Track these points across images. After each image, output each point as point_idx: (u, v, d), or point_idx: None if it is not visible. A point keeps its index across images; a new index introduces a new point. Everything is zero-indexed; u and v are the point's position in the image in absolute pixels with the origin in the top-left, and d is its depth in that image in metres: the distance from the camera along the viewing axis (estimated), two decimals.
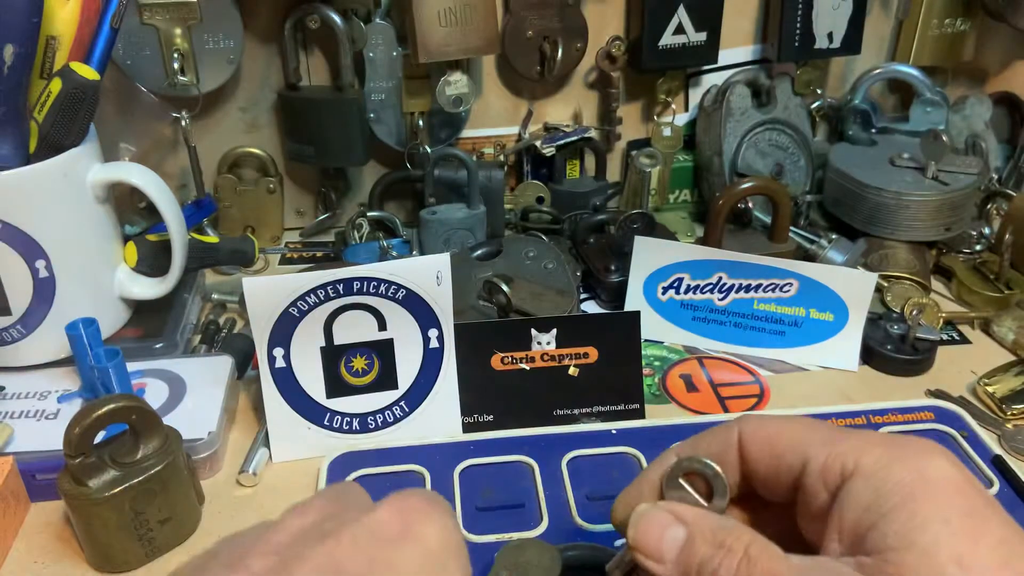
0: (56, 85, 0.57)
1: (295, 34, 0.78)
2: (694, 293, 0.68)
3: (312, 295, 0.55)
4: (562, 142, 0.84)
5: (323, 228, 0.87)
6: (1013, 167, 0.90)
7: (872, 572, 0.27)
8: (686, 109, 0.90)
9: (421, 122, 0.81)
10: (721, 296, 0.68)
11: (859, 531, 0.28)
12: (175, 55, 0.74)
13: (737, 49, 0.87)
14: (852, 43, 0.86)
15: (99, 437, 0.48)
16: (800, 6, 0.83)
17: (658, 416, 0.61)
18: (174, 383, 0.60)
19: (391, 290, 0.55)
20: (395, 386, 0.58)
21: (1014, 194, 0.81)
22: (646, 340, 0.69)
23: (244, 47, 0.77)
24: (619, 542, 0.36)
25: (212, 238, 0.73)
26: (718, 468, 0.33)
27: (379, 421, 0.58)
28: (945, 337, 0.70)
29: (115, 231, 0.66)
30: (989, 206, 0.84)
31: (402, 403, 0.58)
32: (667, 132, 0.87)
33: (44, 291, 0.60)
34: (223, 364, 0.61)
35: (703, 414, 0.62)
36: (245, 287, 0.54)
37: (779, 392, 0.64)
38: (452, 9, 0.74)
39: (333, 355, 0.56)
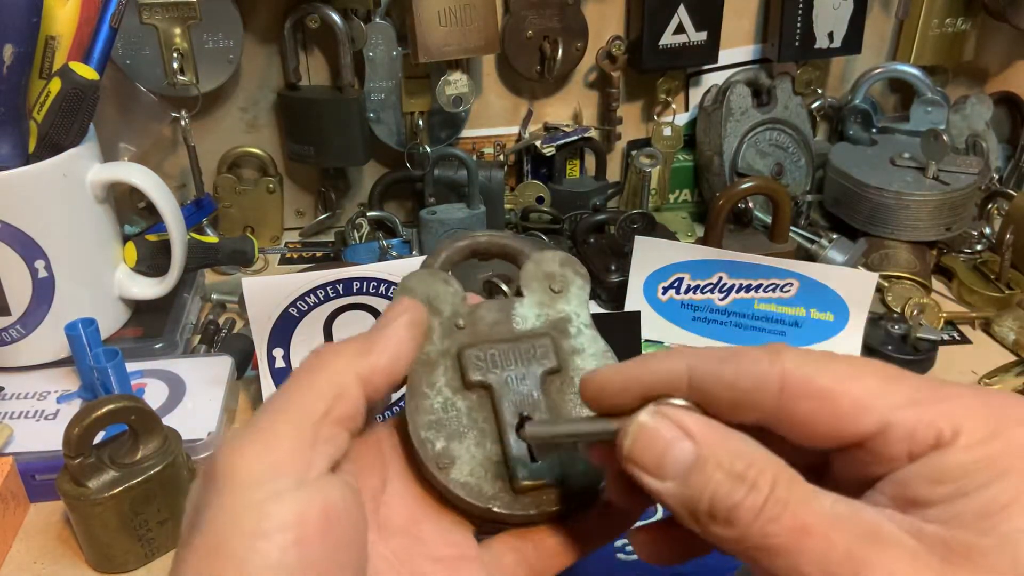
0: (55, 85, 0.57)
1: (295, 34, 0.78)
2: (694, 293, 0.68)
3: (312, 295, 0.55)
4: (562, 142, 0.84)
5: (323, 228, 0.87)
6: (1014, 167, 0.90)
7: (933, 544, 0.23)
8: (686, 109, 0.90)
9: (421, 122, 0.81)
10: (721, 296, 0.68)
11: (930, 499, 0.24)
12: (175, 55, 0.74)
13: (737, 49, 0.87)
14: (852, 43, 0.86)
15: (99, 437, 0.48)
16: (800, 6, 0.83)
17: None
18: (174, 383, 0.60)
19: (391, 290, 0.55)
20: None
21: (1015, 194, 0.81)
22: (646, 340, 0.69)
23: (244, 47, 0.77)
24: (585, 412, 0.31)
25: (212, 238, 0.73)
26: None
27: None
28: (946, 337, 0.70)
29: (115, 231, 0.66)
30: (990, 206, 0.84)
31: (403, 403, 0.58)
32: (667, 132, 0.87)
33: (43, 291, 0.60)
34: (223, 364, 0.61)
35: None
36: (245, 287, 0.54)
37: None
38: (452, 9, 0.73)
39: None
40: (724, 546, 0.24)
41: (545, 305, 0.35)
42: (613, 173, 0.90)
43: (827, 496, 0.24)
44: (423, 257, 0.56)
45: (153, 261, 0.66)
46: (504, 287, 0.63)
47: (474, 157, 0.84)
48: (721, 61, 0.85)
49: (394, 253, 0.78)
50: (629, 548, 0.49)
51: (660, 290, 0.69)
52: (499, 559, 0.32)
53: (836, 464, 0.27)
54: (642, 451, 0.26)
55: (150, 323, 0.68)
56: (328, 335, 0.56)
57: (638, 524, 0.31)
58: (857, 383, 0.25)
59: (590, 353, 0.34)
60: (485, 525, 0.33)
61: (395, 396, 0.51)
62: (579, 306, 0.36)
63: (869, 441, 0.25)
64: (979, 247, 0.80)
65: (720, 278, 0.67)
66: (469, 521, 0.32)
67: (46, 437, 0.55)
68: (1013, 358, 0.67)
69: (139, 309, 0.69)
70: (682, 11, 0.81)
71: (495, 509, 0.31)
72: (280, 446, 0.27)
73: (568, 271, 0.36)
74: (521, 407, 0.33)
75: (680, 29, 0.81)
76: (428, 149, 0.81)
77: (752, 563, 0.24)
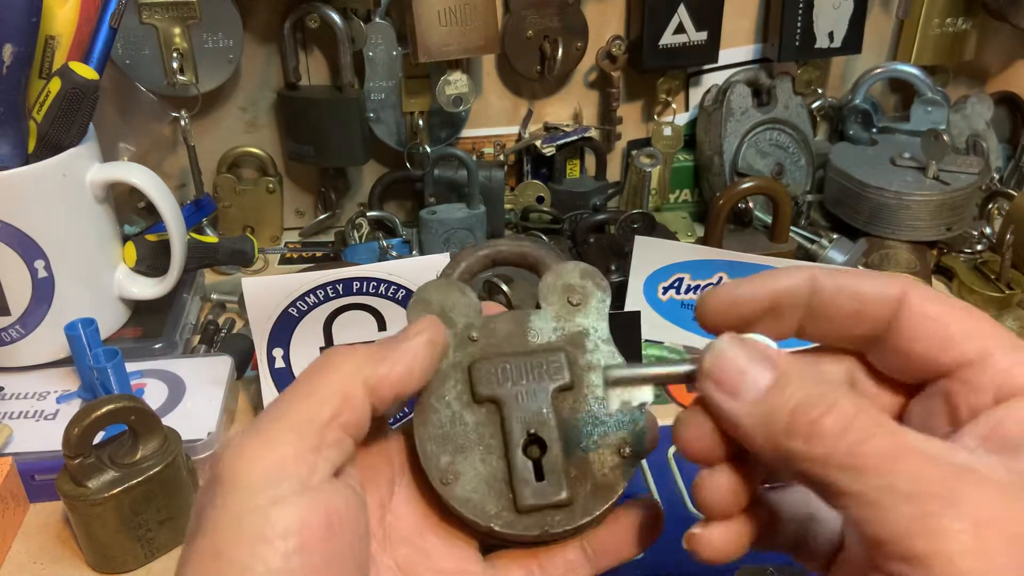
0: (55, 85, 0.57)
1: (295, 33, 0.78)
2: (695, 293, 0.68)
3: (311, 295, 0.54)
4: (562, 142, 0.84)
5: (323, 228, 0.87)
6: (1014, 167, 0.90)
7: None
8: (686, 109, 0.90)
9: (421, 122, 0.81)
10: None
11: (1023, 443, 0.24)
12: (174, 54, 0.74)
13: (738, 48, 0.87)
14: (853, 42, 0.86)
15: (98, 438, 0.48)
16: (801, 5, 0.83)
17: (659, 416, 0.60)
18: (173, 383, 0.60)
19: (391, 290, 0.55)
20: None
21: (1015, 194, 0.81)
22: (646, 340, 0.69)
23: (243, 46, 0.77)
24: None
25: (211, 238, 0.73)
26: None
27: None
28: None
29: (114, 231, 0.66)
30: (990, 206, 0.84)
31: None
32: (667, 132, 0.87)
33: (43, 291, 0.60)
34: (222, 364, 0.61)
35: None
36: (244, 287, 0.54)
37: None
38: (452, 8, 0.73)
39: None
40: (800, 465, 0.24)
41: (562, 318, 0.34)
42: (613, 173, 0.90)
43: (915, 432, 0.23)
44: (423, 257, 0.56)
45: (153, 261, 0.66)
46: (504, 287, 0.63)
47: (474, 157, 0.84)
48: (721, 61, 0.85)
49: (394, 253, 0.78)
50: None
51: (660, 290, 0.69)
52: (504, 573, 0.32)
53: (915, 411, 0.27)
54: (722, 369, 0.26)
55: (150, 323, 0.68)
56: (328, 335, 0.56)
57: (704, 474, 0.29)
58: (970, 317, 0.26)
59: None
60: (489, 540, 0.32)
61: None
62: (598, 320, 0.35)
63: (965, 370, 0.26)
64: (979, 247, 0.80)
65: (720, 278, 0.67)
66: (473, 536, 0.32)
67: (46, 437, 0.55)
68: None
69: (139, 309, 0.69)
70: (682, 11, 0.81)
71: (496, 528, 0.31)
72: (283, 450, 0.26)
73: (589, 283, 0.35)
74: (529, 424, 0.32)
75: (680, 29, 0.81)
76: (428, 149, 0.81)
77: (824, 486, 0.23)
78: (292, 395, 0.28)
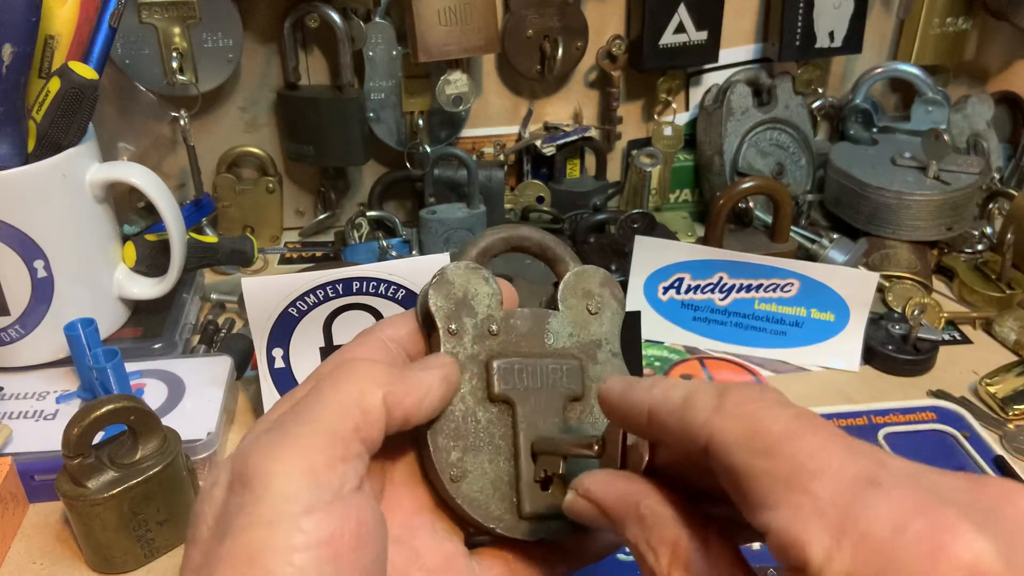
0: (55, 84, 0.57)
1: (294, 33, 0.78)
2: (695, 293, 0.68)
3: (311, 295, 0.54)
4: (562, 141, 0.84)
5: (322, 228, 0.87)
6: (1015, 167, 0.89)
7: None
8: (687, 108, 0.90)
9: (421, 121, 0.81)
10: (722, 296, 0.68)
11: None
12: (174, 54, 0.74)
13: (738, 48, 0.87)
14: (853, 42, 0.86)
15: (98, 438, 0.47)
16: (801, 5, 0.83)
17: None
18: (173, 383, 0.60)
19: (391, 290, 0.55)
20: None
21: (1016, 193, 0.81)
22: (647, 340, 0.69)
23: (243, 46, 0.77)
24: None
25: (211, 238, 0.73)
26: (645, 457, 0.28)
27: None
28: (947, 337, 0.70)
29: (114, 231, 0.66)
30: (991, 206, 0.84)
31: None
32: (668, 131, 0.87)
33: (42, 291, 0.60)
34: (222, 364, 0.61)
35: None
36: (244, 287, 0.54)
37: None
38: (452, 8, 0.73)
39: None
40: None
41: (579, 326, 0.35)
42: (613, 173, 0.90)
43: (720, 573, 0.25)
44: (423, 257, 0.56)
45: (152, 261, 0.66)
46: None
47: (474, 157, 0.84)
48: (722, 60, 0.85)
49: (394, 253, 0.78)
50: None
51: (660, 290, 0.69)
52: (488, 570, 0.32)
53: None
54: (582, 520, 0.29)
55: (149, 323, 0.68)
56: (328, 335, 0.56)
57: None
58: (767, 471, 0.23)
59: None
60: (478, 534, 0.32)
61: None
62: (611, 331, 0.35)
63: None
64: (980, 247, 0.80)
65: (720, 278, 0.67)
66: (462, 528, 0.32)
67: (45, 437, 0.55)
68: (1014, 358, 0.67)
69: (138, 309, 0.69)
70: (682, 10, 0.81)
71: (498, 530, 0.31)
72: (316, 457, 0.26)
73: (607, 292, 0.35)
74: (540, 431, 0.32)
75: (680, 28, 0.81)
76: (428, 149, 0.81)
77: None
78: (315, 401, 0.28)
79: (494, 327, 0.33)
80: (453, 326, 0.33)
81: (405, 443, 0.33)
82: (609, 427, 0.30)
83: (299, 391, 0.30)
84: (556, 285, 0.36)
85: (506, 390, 0.32)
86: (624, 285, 0.69)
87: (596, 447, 0.29)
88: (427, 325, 0.34)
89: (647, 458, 0.28)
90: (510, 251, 0.37)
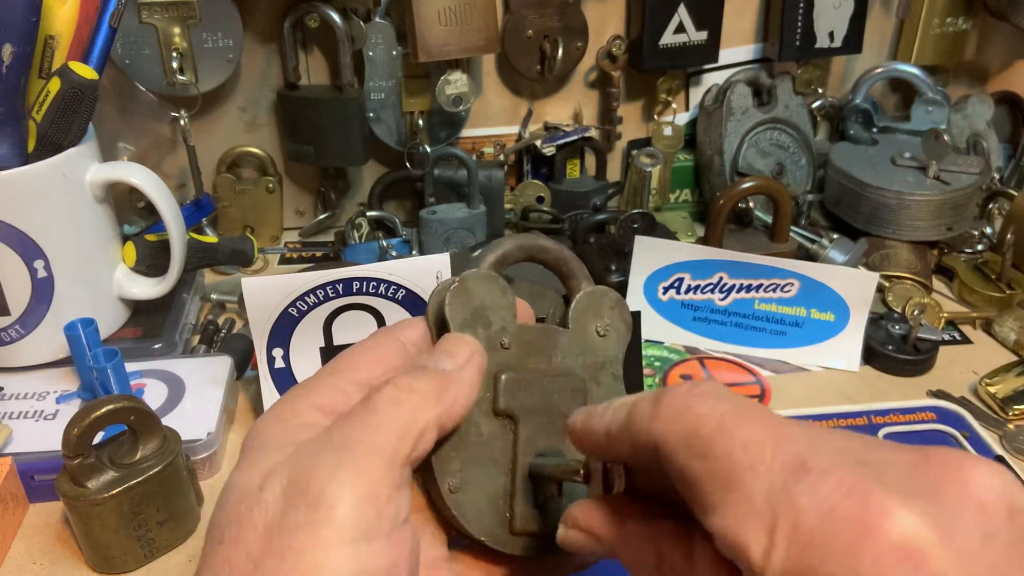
0: (55, 84, 0.57)
1: (294, 33, 0.78)
2: (695, 293, 0.68)
3: (311, 295, 0.54)
4: (562, 141, 0.84)
5: (322, 228, 0.87)
6: (1015, 167, 0.89)
7: None
8: (687, 108, 0.90)
9: (421, 121, 0.81)
10: (722, 296, 0.68)
11: None
12: (174, 54, 0.74)
13: (738, 48, 0.87)
14: (853, 42, 0.86)
15: (98, 438, 0.47)
16: (801, 5, 0.83)
17: None
18: (173, 383, 0.60)
19: (391, 290, 0.55)
20: None
21: (1015, 193, 0.81)
22: (647, 340, 0.69)
23: (243, 46, 0.77)
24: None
25: (211, 238, 0.73)
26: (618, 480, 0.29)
27: None
28: (947, 337, 0.70)
29: (114, 231, 0.66)
30: (990, 206, 0.84)
31: None
32: (668, 131, 0.87)
33: (43, 291, 0.60)
34: (222, 364, 0.61)
35: None
36: (244, 287, 0.54)
37: (780, 392, 0.64)
38: (452, 8, 0.73)
39: (333, 356, 0.56)
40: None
41: (587, 346, 0.35)
42: (613, 173, 0.90)
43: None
44: (423, 257, 0.56)
45: (152, 261, 0.66)
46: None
47: (474, 157, 0.84)
48: (722, 61, 0.85)
49: (394, 253, 0.78)
50: None
51: (660, 290, 0.69)
52: (467, 573, 0.32)
53: None
54: (577, 548, 0.29)
55: (149, 323, 0.68)
56: (328, 335, 0.56)
57: None
58: (706, 472, 0.23)
59: None
60: (463, 537, 0.33)
61: None
62: (616, 355, 0.35)
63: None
64: (980, 247, 0.80)
65: (721, 278, 0.67)
66: (446, 530, 0.33)
67: (45, 437, 0.55)
68: (1014, 358, 0.67)
69: (138, 309, 0.69)
70: (682, 10, 0.81)
71: (488, 543, 0.32)
72: (377, 484, 0.26)
73: (616, 316, 0.36)
74: (540, 451, 0.33)
75: (680, 28, 0.81)
76: (428, 149, 0.81)
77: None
78: (371, 423, 0.28)
79: (506, 340, 0.33)
80: (467, 335, 0.33)
81: None
82: (589, 455, 0.30)
83: (359, 410, 0.29)
84: (567, 299, 0.36)
85: (511, 405, 0.32)
86: (624, 285, 0.69)
87: (582, 473, 0.30)
88: (439, 330, 0.34)
89: (623, 479, 0.28)
90: (528, 260, 0.37)
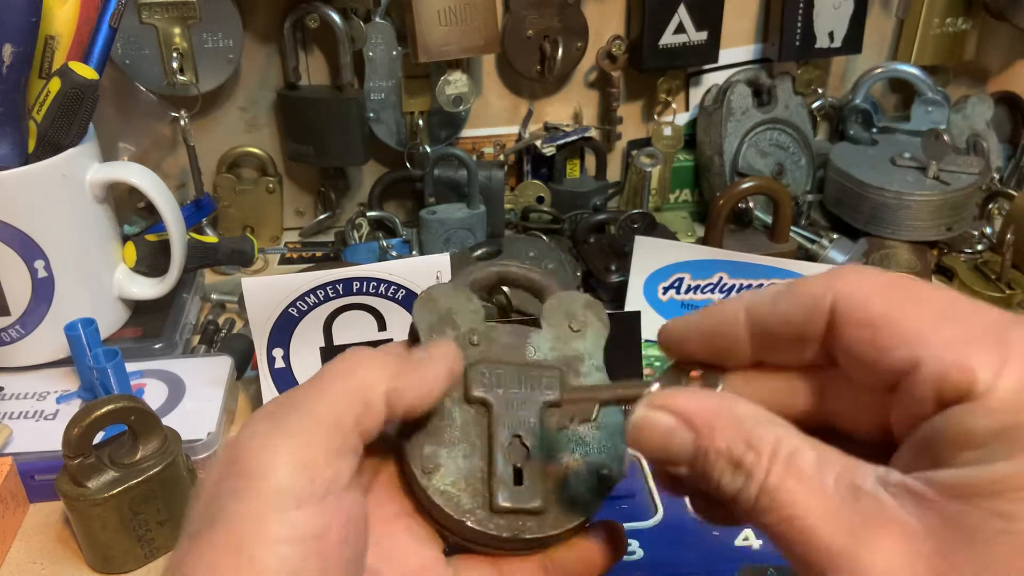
0: (55, 84, 0.57)
1: (294, 33, 0.78)
2: (695, 293, 0.68)
3: (311, 295, 0.54)
4: (562, 142, 0.84)
5: (323, 228, 0.87)
6: (1014, 167, 0.89)
7: (934, 527, 0.21)
8: (687, 108, 0.90)
9: (421, 122, 0.81)
10: (722, 296, 0.68)
11: (950, 463, 0.21)
12: (174, 54, 0.74)
13: (738, 48, 0.87)
14: (853, 42, 0.86)
15: (98, 438, 0.47)
16: (801, 5, 0.83)
17: None
18: (173, 383, 0.60)
19: (391, 290, 0.55)
20: None
21: (1015, 194, 0.81)
22: (647, 340, 0.69)
23: (243, 46, 0.77)
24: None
25: (211, 238, 0.73)
26: (721, 381, 0.27)
27: None
28: None
29: (114, 231, 0.66)
30: (990, 206, 0.84)
31: None
32: (667, 132, 0.87)
33: (43, 291, 0.60)
34: (222, 364, 0.61)
35: None
36: (244, 287, 0.54)
37: None
38: (452, 8, 0.73)
39: (333, 356, 0.56)
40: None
41: (561, 340, 0.35)
42: (613, 173, 0.90)
43: (831, 469, 0.22)
44: (423, 257, 0.56)
45: (153, 261, 0.66)
46: (505, 288, 0.62)
47: (474, 157, 0.84)
48: (721, 61, 0.85)
49: (394, 253, 0.78)
50: (631, 548, 0.49)
51: (660, 290, 0.69)
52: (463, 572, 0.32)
53: (892, 414, 0.25)
54: (646, 444, 0.26)
55: (149, 323, 0.68)
56: (328, 335, 0.56)
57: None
58: (909, 313, 0.23)
59: None
60: (457, 541, 0.32)
61: None
62: (594, 348, 0.35)
63: (904, 381, 0.23)
64: (980, 247, 0.80)
65: (720, 278, 0.67)
66: (441, 536, 0.32)
67: (45, 437, 0.55)
68: None
69: (138, 309, 0.69)
70: (682, 11, 0.81)
71: (469, 523, 0.31)
72: (313, 451, 0.26)
73: (590, 314, 0.36)
74: (515, 430, 0.32)
75: (680, 29, 0.81)
76: (428, 149, 0.81)
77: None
78: (315, 391, 0.28)
79: (475, 338, 0.34)
80: (435, 336, 0.34)
81: (393, 447, 0.33)
82: (668, 371, 0.29)
83: (305, 384, 0.30)
84: None
85: (483, 391, 0.33)
86: (624, 285, 0.69)
87: (651, 389, 0.28)
88: (412, 340, 0.35)
89: (722, 384, 0.27)
90: (499, 284, 0.38)
